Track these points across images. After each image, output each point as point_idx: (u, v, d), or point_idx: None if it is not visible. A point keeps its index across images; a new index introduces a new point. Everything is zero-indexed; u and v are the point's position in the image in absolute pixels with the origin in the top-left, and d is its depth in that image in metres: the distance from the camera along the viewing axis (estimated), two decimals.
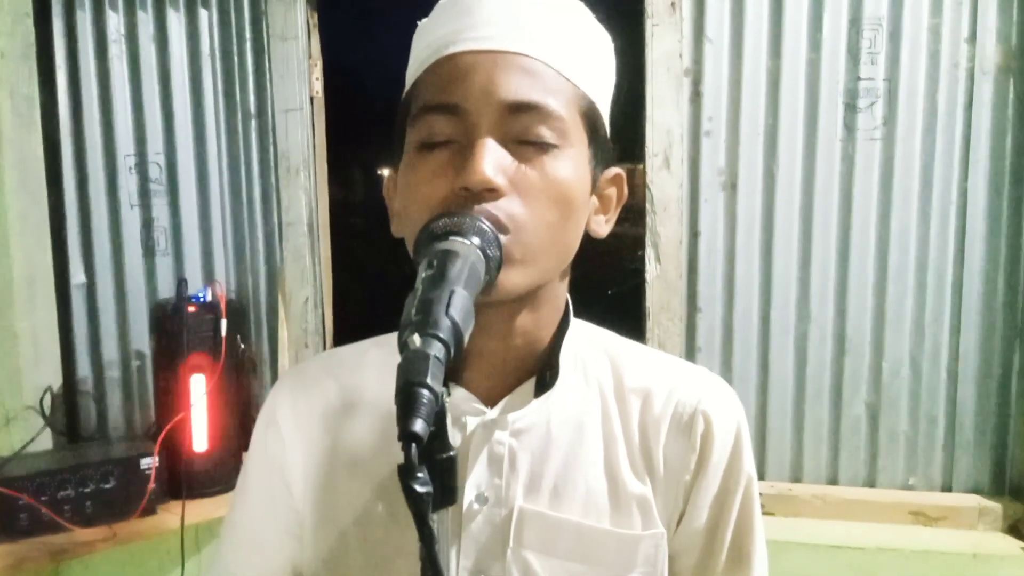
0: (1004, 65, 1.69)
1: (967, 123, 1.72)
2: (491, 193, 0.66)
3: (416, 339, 0.53)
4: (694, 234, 1.85)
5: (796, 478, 1.85)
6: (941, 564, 1.69)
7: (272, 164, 2.08)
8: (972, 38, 1.70)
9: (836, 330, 1.80)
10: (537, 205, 0.68)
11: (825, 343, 1.81)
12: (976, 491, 1.77)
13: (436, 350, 0.52)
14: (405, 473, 0.49)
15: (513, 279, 0.67)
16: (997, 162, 1.71)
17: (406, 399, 0.50)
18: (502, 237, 0.65)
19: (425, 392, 0.50)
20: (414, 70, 0.74)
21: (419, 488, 0.49)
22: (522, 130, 0.68)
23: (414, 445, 0.49)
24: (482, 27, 0.69)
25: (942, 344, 1.77)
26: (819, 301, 1.80)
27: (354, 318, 2.31)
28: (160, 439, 1.88)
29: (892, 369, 1.78)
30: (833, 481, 1.83)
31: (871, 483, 1.82)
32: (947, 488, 1.79)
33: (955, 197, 1.73)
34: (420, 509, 0.49)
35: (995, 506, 1.73)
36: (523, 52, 0.68)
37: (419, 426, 0.49)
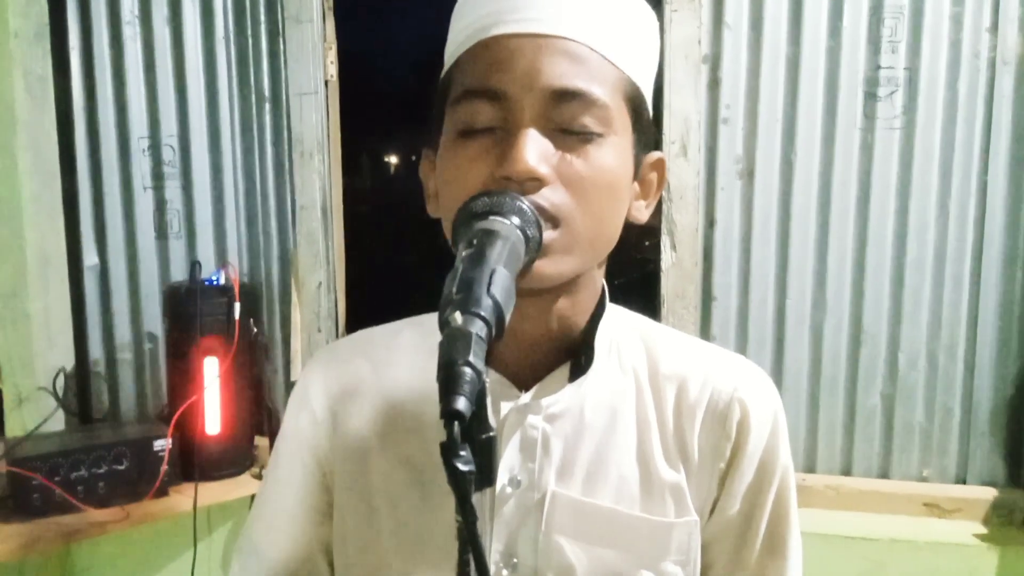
0: None
1: (987, 113, 1.70)
2: (534, 183, 0.65)
3: (458, 317, 0.52)
4: (710, 222, 1.84)
5: (810, 468, 1.84)
6: (954, 556, 1.68)
7: (286, 147, 2.07)
8: (994, 27, 1.68)
9: (852, 321, 1.80)
10: (582, 194, 0.67)
11: (841, 333, 1.80)
12: (991, 484, 1.77)
13: (478, 328, 0.51)
14: (447, 451, 0.48)
15: (557, 268, 0.67)
16: (1017, 152, 1.69)
17: (448, 377, 0.49)
18: (546, 229, 0.65)
19: (468, 370, 0.49)
20: (454, 49, 0.73)
21: (462, 467, 0.48)
22: (566, 118, 0.67)
23: (456, 423, 0.48)
24: (526, 8, 0.68)
25: (959, 336, 1.76)
26: (835, 291, 1.79)
27: (364, 304, 2.31)
28: (173, 421, 1.88)
29: (908, 360, 1.77)
30: (847, 472, 1.83)
31: (885, 474, 1.81)
32: (961, 480, 1.79)
33: (974, 188, 1.72)
34: (463, 488, 0.48)
35: (1010, 499, 1.73)
36: (568, 36, 0.67)
37: (461, 404, 0.48)
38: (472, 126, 0.68)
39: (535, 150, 0.65)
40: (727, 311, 1.85)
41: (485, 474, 0.54)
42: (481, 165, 0.67)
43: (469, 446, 0.49)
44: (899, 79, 1.73)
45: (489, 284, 0.54)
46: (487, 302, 0.53)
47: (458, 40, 0.72)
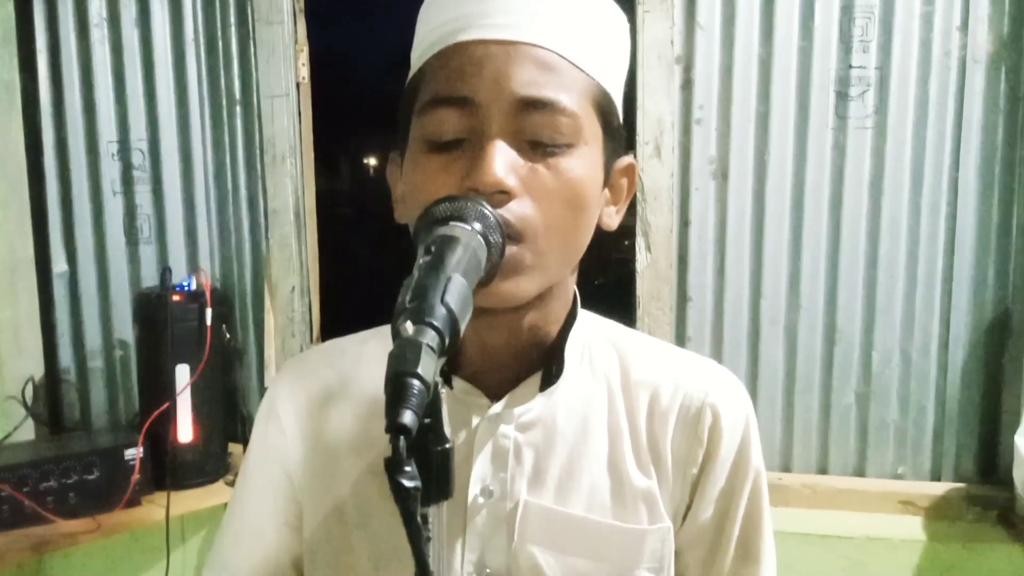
0: (996, 54, 1.68)
1: (958, 112, 1.71)
2: (502, 195, 0.64)
3: (409, 327, 0.51)
4: (685, 223, 1.84)
5: (786, 468, 1.84)
6: (930, 553, 1.69)
7: (258, 151, 2.05)
8: (964, 26, 1.69)
9: (826, 320, 1.80)
10: (550, 208, 0.66)
11: (815, 333, 1.80)
12: (965, 480, 1.77)
13: (429, 339, 0.50)
14: (392, 467, 0.47)
15: (518, 287, 0.66)
16: (988, 151, 1.70)
17: (395, 390, 0.48)
18: (510, 245, 0.64)
19: (415, 382, 0.48)
20: (421, 52, 0.71)
21: (406, 483, 0.47)
22: (535, 129, 0.66)
23: (402, 438, 0.47)
24: (495, 14, 0.66)
25: (932, 334, 1.76)
26: (809, 291, 1.79)
27: (340, 308, 2.29)
28: (144, 429, 1.85)
29: (882, 359, 1.78)
30: (823, 471, 1.83)
31: (861, 472, 1.81)
32: (936, 477, 1.79)
33: (946, 186, 1.73)
34: (407, 504, 0.47)
35: (984, 495, 1.73)
36: (537, 43, 0.66)
37: (407, 418, 0.47)
38: (440, 137, 0.67)
39: (503, 162, 0.64)
40: (702, 312, 1.85)
41: (443, 487, 0.53)
42: (448, 176, 0.66)
43: (422, 459, 0.48)
44: (870, 78, 1.73)
45: (444, 292, 0.53)
46: (440, 311, 0.52)
47: (425, 44, 0.71)
